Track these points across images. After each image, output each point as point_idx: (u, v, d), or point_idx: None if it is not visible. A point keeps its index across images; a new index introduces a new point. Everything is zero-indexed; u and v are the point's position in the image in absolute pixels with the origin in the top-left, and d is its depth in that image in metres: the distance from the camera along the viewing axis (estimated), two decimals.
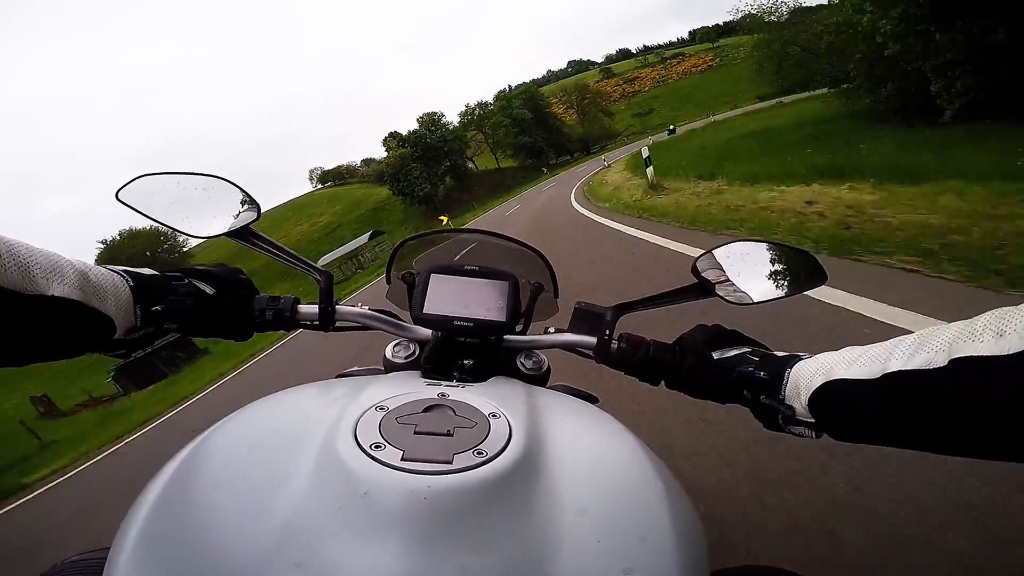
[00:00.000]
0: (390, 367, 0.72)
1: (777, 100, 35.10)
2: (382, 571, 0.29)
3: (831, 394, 0.42)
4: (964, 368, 0.31)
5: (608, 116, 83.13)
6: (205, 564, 0.30)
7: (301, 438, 0.40)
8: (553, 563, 0.31)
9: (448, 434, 0.40)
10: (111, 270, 0.51)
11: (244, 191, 0.67)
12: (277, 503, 0.34)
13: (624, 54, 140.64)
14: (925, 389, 0.33)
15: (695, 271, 0.65)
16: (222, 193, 0.66)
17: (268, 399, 0.49)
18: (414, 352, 0.72)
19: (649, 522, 0.36)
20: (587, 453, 0.43)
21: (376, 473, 0.35)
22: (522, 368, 0.73)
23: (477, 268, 0.66)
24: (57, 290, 0.42)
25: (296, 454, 0.38)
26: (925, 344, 0.35)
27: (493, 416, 0.43)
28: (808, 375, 0.44)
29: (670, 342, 0.62)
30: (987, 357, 0.29)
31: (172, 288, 0.57)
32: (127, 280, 0.52)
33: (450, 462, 0.36)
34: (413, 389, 0.48)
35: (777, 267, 0.65)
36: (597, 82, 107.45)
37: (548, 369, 0.76)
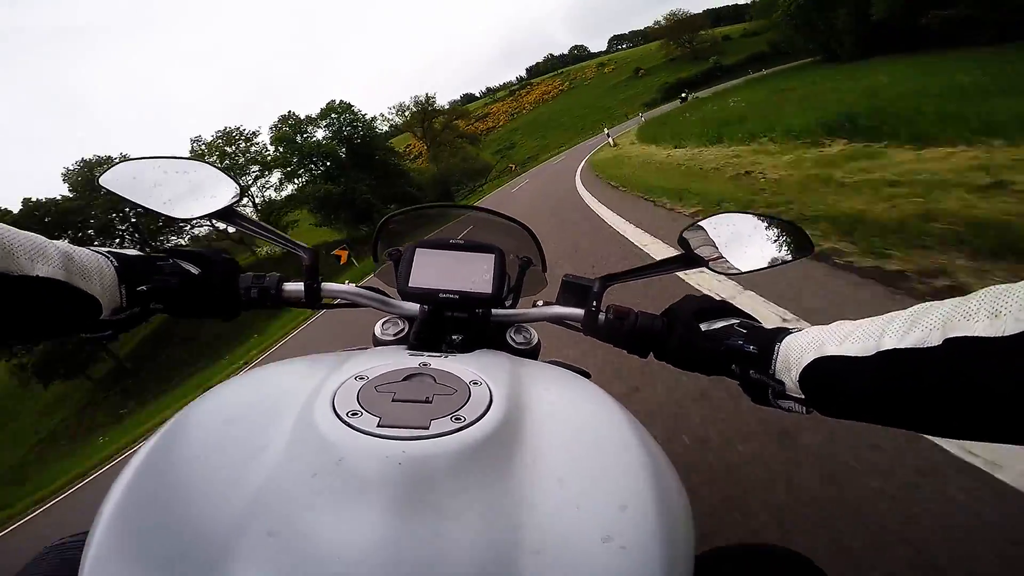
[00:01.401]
0: (379, 344, 0.72)
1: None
2: (355, 537, 0.29)
3: (823, 370, 0.41)
4: (958, 348, 0.31)
5: (473, 143, 60.47)
6: (179, 537, 0.30)
7: (279, 409, 0.40)
8: (530, 530, 0.31)
9: (427, 401, 0.40)
10: (95, 251, 0.51)
11: (226, 173, 0.67)
12: (252, 472, 0.34)
13: (468, 98, 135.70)
14: (919, 368, 0.33)
15: (682, 242, 0.65)
16: (204, 176, 0.66)
17: (250, 373, 0.50)
18: (403, 329, 0.72)
19: (629, 491, 0.35)
20: (569, 421, 0.42)
21: (351, 440, 0.35)
22: (512, 343, 0.74)
23: (462, 242, 0.66)
24: (42, 271, 0.42)
25: (273, 425, 0.38)
26: (919, 321, 0.34)
27: (474, 384, 0.43)
28: (799, 350, 0.44)
29: (658, 313, 0.62)
30: (981, 338, 0.29)
31: (157, 268, 0.57)
32: (112, 261, 0.52)
33: (427, 427, 0.36)
34: (396, 360, 0.48)
35: (764, 238, 0.65)
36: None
37: (538, 344, 0.76)
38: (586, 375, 0.88)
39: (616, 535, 0.32)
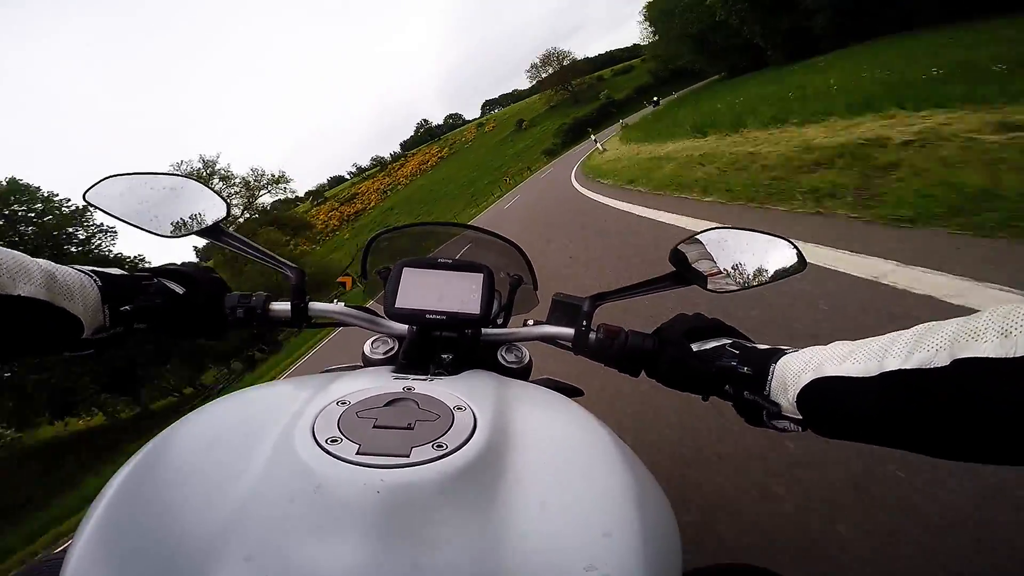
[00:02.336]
0: (368, 364, 0.71)
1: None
2: (332, 565, 0.29)
3: (822, 391, 0.40)
4: (968, 370, 0.30)
5: (307, 228, 47.60)
6: (155, 560, 0.30)
7: (260, 433, 0.39)
8: (512, 559, 0.30)
9: (409, 427, 0.39)
10: (79, 270, 0.51)
11: (213, 190, 0.67)
12: (230, 496, 0.33)
13: (337, 180, 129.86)
14: (926, 390, 0.32)
15: (673, 259, 0.64)
16: (191, 193, 0.66)
17: (234, 395, 0.49)
18: (393, 348, 0.71)
19: (614, 518, 0.35)
20: (555, 446, 0.42)
21: (330, 467, 0.34)
22: (503, 362, 0.73)
23: (450, 261, 0.65)
24: (23, 290, 0.42)
25: (253, 449, 0.37)
26: (923, 342, 0.33)
27: (459, 409, 0.42)
28: (796, 371, 0.43)
29: (649, 332, 0.61)
30: (992, 359, 0.28)
31: (141, 288, 0.56)
32: (95, 280, 0.52)
33: (407, 455, 0.35)
34: (380, 383, 0.47)
35: (757, 254, 0.64)
36: (306, 212, 75.20)
37: (530, 362, 0.75)
38: (579, 393, 0.88)
39: (599, 563, 0.31)
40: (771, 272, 0.63)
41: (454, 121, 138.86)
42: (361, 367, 0.74)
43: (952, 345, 0.31)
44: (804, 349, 0.45)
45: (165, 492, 0.35)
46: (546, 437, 0.42)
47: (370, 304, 0.78)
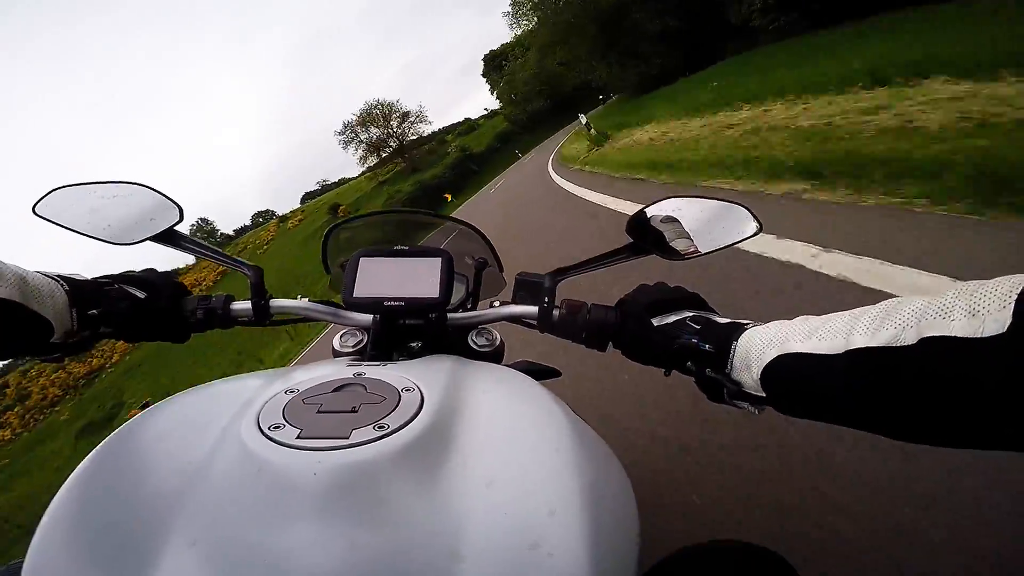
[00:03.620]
0: (338, 357, 0.71)
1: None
2: (273, 547, 0.29)
3: (786, 369, 0.40)
4: (935, 349, 0.29)
5: None
6: (107, 553, 0.30)
7: (210, 425, 0.40)
8: (454, 538, 0.31)
9: (352, 411, 0.39)
10: (46, 275, 0.51)
11: (164, 195, 0.66)
12: (178, 486, 0.34)
13: None
14: (892, 369, 0.31)
15: (630, 230, 0.64)
16: (142, 199, 0.65)
17: (193, 390, 0.49)
18: (362, 340, 0.72)
19: (559, 495, 0.34)
20: (504, 424, 0.42)
21: (270, 452, 0.34)
22: (474, 346, 0.73)
23: (407, 248, 0.65)
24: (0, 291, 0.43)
25: (203, 440, 0.38)
26: (891, 318, 0.33)
27: (406, 390, 0.42)
28: (759, 347, 0.42)
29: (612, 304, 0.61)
30: (959, 339, 0.28)
31: (105, 293, 0.57)
32: (62, 285, 0.52)
33: (347, 437, 0.35)
34: (330, 372, 0.47)
35: (711, 220, 0.64)
36: None
37: (501, 345, 0.75)
38: (556, 374, 0.88)
39: (543, 542, 0.31)
40: (727, 237, 0.63)
41: (263, 219, 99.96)
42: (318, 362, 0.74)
43: (919, 322, 0.30)
44: (768, 324, 0.44)
45: (117, 487, 0.35)
46: (496, 414, 0.42)
47: (335, 298, 0.78)
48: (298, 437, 0.35)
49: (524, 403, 0.46)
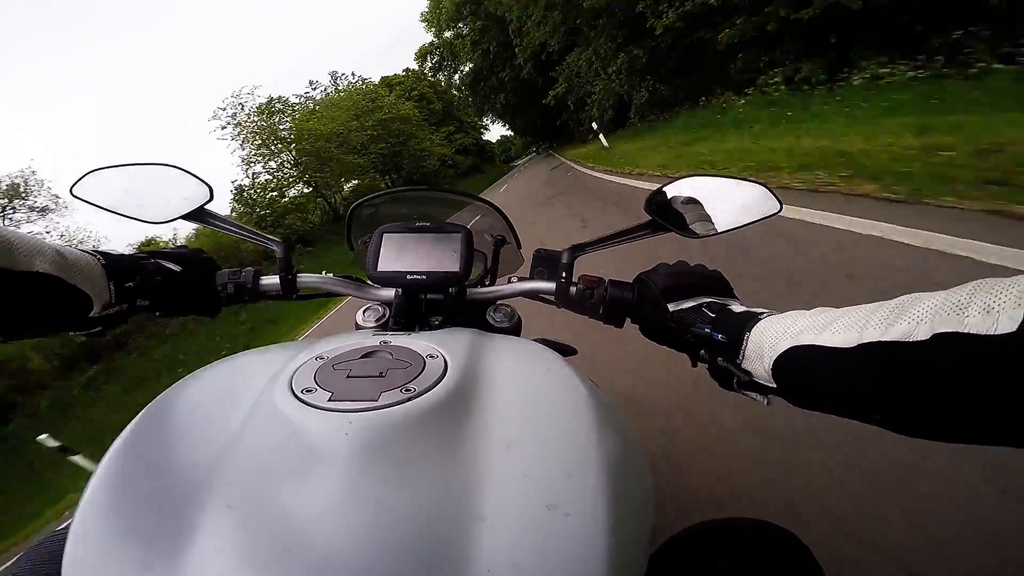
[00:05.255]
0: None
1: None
2: (306, 506, 0.30)
3: (798, 360, 0.39)
4: (948, 344, 0.28)
5: None
6: (148, 521, 0.32)
7: (244, 392, 0.42)
8: (476, 497, 0.32)
9: (380, 375, 0.41)
10: (83, 250, 0.53)
11: (194, 174, 0.68)
12: (214, 451, 0.35)
13: None
14: (904, 363, 0.31)
15: (649, 208, 0.63)
16: (173, 179, 0.68)
17: (223, 360, 0.51)
18: (383, 315, 0.73)
19: (577, 458, 0.35)
20: (523, 391, 0.43)
21: (302, 414, 0.36)
22: (492, 322, 0.74)
23: (428, 224, 0.66)
24: (41, 266, 0.44)
25: (237, 406, 0.40)
26: (905, 313, 0.32)
27: (431, 357, 0.44)
28: (773, 338, 0.42)
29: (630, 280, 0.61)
30: (972, 335, 0.27)
31: (141, 266, 0.59)
32: (99, 259, 0.54)
33: (376, 399, 0.37)
34: (357, 340, 0.49)
35: (730, 199, 0.63)
36: None
37: (519, 321, 0.76)
38: (572, 352, 0.88)
39: (561, 502, 0.32)
40: (746, 215, 0.62)
41: None
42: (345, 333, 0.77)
43: (934, 318, 0.30)
44: (784, 314, 0.44)
45: (159, 453, 0.37)
46: (516, 382, 0.44)
47: (359, 273, 0.80)
48: (329, 400, 0.37)
49: (543, 372, 0.47)
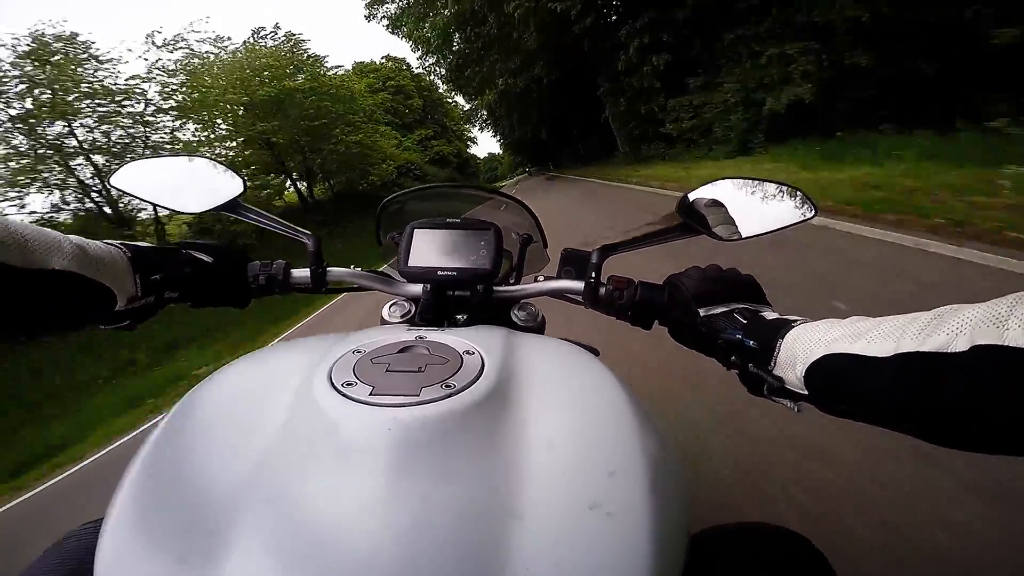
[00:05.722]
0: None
1: None
2: (347, 501, 0.30)
3: (832, 368, 0.39)
4: (987, 356, 0.28)
5: None
6: (184, 514, 0.32)
7: (281, 384, 0.41)
8: (517, 495, 0.32)
9: (419, 370, 0.40)
10: (108, 243, 0.52)
11: (228, 166, 0.69)
12: (253, 445, 0.35)
13: None
14: (941, 375, 0.31)
15: (681, 209, 0.64)
16: (208, 171, 0.69)
17: (257, 352, 0.51)
18: (409, 311, 0.73)
19: (618, 458, 0.35)
20: (560, 390, 0.43)
21: (344, 408, 0.36)
22: (516, 320, 0.74)
23: (459, 220, 0.67)
24: (57, 263, 0.43)
25: (275, 399, 0.40)
26: (943, 324, 0.32)
27: (467, 353, 0.44)
28: (806, 345, 0.42)
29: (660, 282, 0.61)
30: (1012, 348, 0.27)
31: (170, 258, 0.58)
32: (124, 251, 0.53)
33: (417, 395, 0.37)
34: (393, 335, 0.49)
35: (764, 202, 0.63)
36: None
37: (543, 320, 0.76)
38: (594, 352, 0.89)
39: (603, 502, 0.32)
40: (782, 219, 0.62)
41: None
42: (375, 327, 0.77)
43: (973, 330, 0.30)
44: (818, 322, 0.44)
45: (194, 449, 0.37)
46: (552, 381, 0.43)
47: (384, 268, 0.81)
48: (371, 394, 0.37)
49: (577, 371, 0.47)
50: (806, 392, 0.42)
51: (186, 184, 0.68)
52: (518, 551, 0.29)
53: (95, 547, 0.33)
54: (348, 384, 0.38)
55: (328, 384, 0.39)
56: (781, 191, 0.63)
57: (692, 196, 0.64)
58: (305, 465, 0.33)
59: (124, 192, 0.66)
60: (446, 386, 0.38)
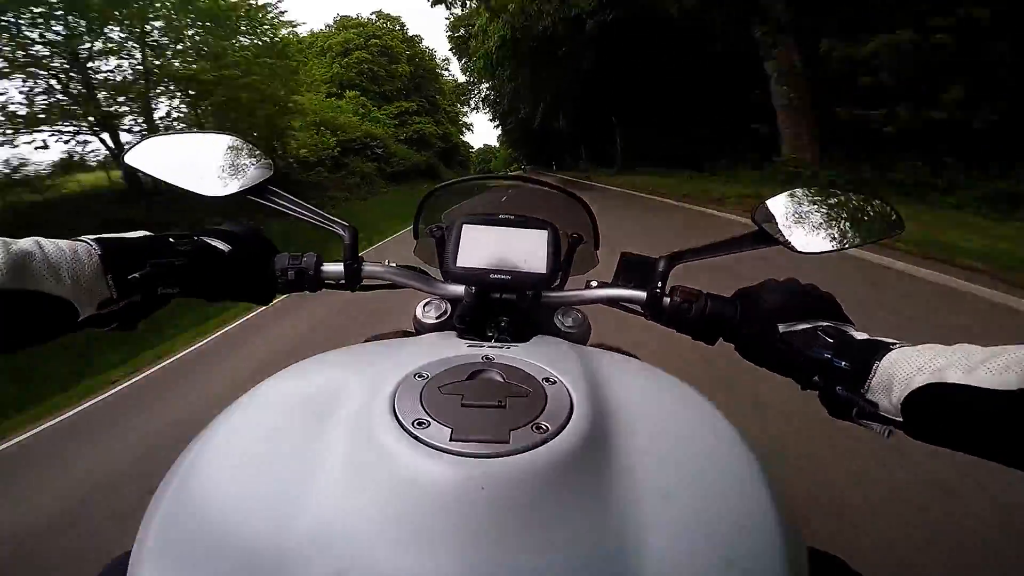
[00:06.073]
0: (421, 328, 0.69)
1: None
2: (441, 572, 0.26)
3: (938, 398, 0.37)
4: None
5: None
6: (231, 569, 0.27)
7: (331, 415, 0.36)
8: (639, 555, 0.27)
9: (500, 405, 0.35)
10: (78, 240, 0.45)
11: (255, 146, 0.63)
12: (310, 497, 0.30)
13: None
14: None
15: (755, 218, 0.59)
16: (234, 151, 0.62)
17: (292, 369, 0.46)
18: (446, 311, 0.69)
19: (744, 506, 0.32)
20: (662, 426, 0.38)
21: (423, 459, 0.30)
22: (560, 327, 0.69)
23: (513, 217, 0.61)
24: None
25: (327, 434, 0.34)
26: None
27: (547, 381, 0.39)
28: (907, 371, 0.39)
29: (729, 295, 0.57)
30: None
31: (164, 248, 0.51)
32: (93, 248, 0.45)
33: (507, 441, 0.31)
34: (453, 352, 0.44)
35: (846, 215, 0.58)
36: None
37: (588, 327, 0.72)
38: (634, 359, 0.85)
39: (736, 560, 0.28)
40: (864, 233, 0.57)
41: None
42: (412, 333, 0.71)
43: None
44: (919, 347, 0.41)
45: (232, 491, 0.32)
46: (649, 416, 0.39)
47: (418, 264, 0.75)
48: (452, 438, 0.31)
49: (673, 401, 0.42)
50: (900, 419, 0.40)
51: (208, 164, 0.61)
52: None
53: None
54: (420, 424, 0.33)
55: (393, 420, 0.33)
56: (865, 201, 0.58)
57: (770, 204, 0.59)
58: (383, 529, 0.27)
59: (139, 171, 0.59)
60: (537, 428, 0.33)
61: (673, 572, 0.27)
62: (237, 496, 0.31)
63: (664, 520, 0.29)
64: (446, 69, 40.28)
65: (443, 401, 0.35)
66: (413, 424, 0.32)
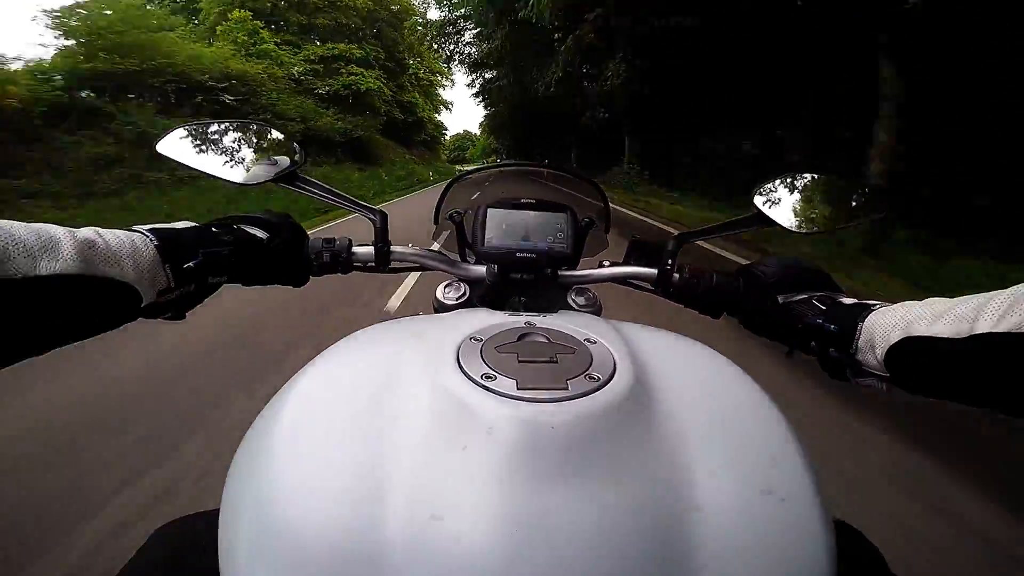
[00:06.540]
0: (442, 309, 0.71)
1: None
2: (519, 511, 0.28)
3: (911, 350, 0.40)
4: None
5: None
6: (330, 524, 0.29)
7: (401, 375, 0.38)
8: (687, 488, 0.31)
9: (552, 360, 0.39)
10: (132, 230, 0.47)
11: (284, 133, 0.65)
12: (395, 445, 0.32)
13: None
14: (1017, 353, 0.33)
15: (755, 200, 0.64)
16: (263, 138, 0.65)
17: (352, 337, 0.48)
18: (465, 292, 0.72)
19: (777, 443, 0.35)
20: (696, 380, 0.42)
21: (497, 406, 0.33)
22: (574, 305, 0.73)
23: (534, 201, 0.65)
24: (45, 268, 0.37)
25: (401, 393, 0.36)
26: (1018, 305, 0.33)
27: (589, 341, 0.42)
28: (885, 328, 0.43)
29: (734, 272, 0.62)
30: None
31: (212, 238, 0.53)
32: (150, 239, 0.47)
33: (566, 388, 0.35)
34: (497, 320, 0.47)
35: (836, 197, 0.64)
36: None
37: (600, 306, 0.76)
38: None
39: (775, 488, 0.32)
40: (850, 213, 0.64)
41: None
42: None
43: None
44: (895, 305, 0.45)
45: (318, 450, 0.33)
46: (681, 371, 0.42)
47: (436, 248, 0.78)
48: (519, 388, 0.34)
49: (704, 362, 0.46)
50: (887, 374, 0.43)
51: (239, 151, 0.63)
52: (703, 543, 0.29)
53: (194, 539, 0.32)
54: (488, 377, 0.36)
55: (462, 375, 0.36)
56: (854, 186, 0.65)
57: (766, 188, 0.64)
58: (467, 472, 0.30)
59: (170, 159, 0.61)
60: (589, 377, 0.36)
61: (720, 500, 0.31)
62: (325, 448, 0.33)
63: (708, 456, 0.33)
64: (421, 18, 28.16)
65: (502, 358, 0.38)
66: (482, 377, 0.36)
